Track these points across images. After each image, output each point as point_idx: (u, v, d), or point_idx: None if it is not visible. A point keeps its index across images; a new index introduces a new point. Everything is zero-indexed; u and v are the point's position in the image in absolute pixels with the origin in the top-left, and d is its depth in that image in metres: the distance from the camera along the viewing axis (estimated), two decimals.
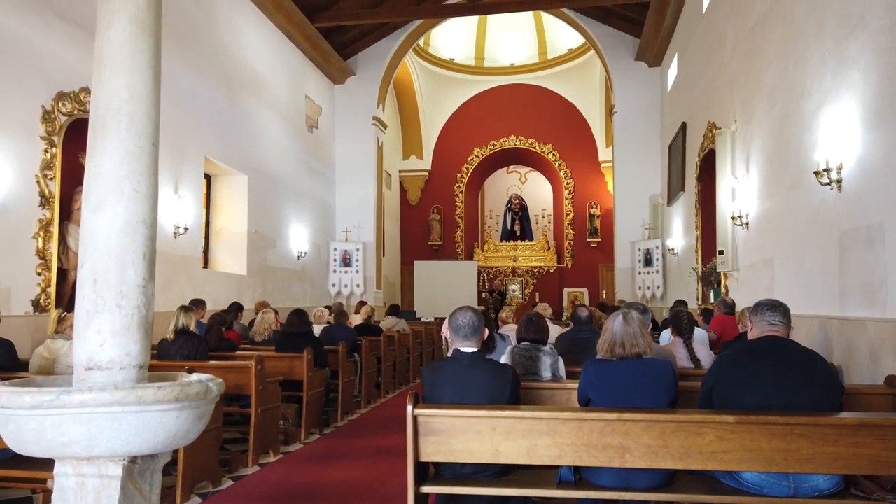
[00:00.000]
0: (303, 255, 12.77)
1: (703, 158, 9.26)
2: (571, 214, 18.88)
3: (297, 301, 12.19)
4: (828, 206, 4.93)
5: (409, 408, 2.84)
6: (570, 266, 18.91)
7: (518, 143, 19.11)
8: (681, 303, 8.23)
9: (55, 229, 6.41)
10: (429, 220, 19.40)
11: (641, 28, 12.59)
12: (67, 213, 6.59)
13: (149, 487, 2.18)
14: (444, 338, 3.71)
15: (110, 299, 2.14)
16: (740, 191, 7.38)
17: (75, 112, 6.65)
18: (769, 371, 2.87)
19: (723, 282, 8.31)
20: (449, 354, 3.33)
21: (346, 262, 14.26)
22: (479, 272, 18.42)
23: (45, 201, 6.31)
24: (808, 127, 5.36)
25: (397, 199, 19.15)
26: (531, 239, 20.30)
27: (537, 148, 18.97)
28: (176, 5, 8.57)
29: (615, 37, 13.80)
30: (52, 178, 6.38)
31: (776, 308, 3.08)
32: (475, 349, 3.17)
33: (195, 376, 2.31)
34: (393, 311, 10.81)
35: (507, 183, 21.35)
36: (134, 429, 2.00)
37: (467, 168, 19.39)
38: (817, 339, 4.92)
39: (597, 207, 18.55)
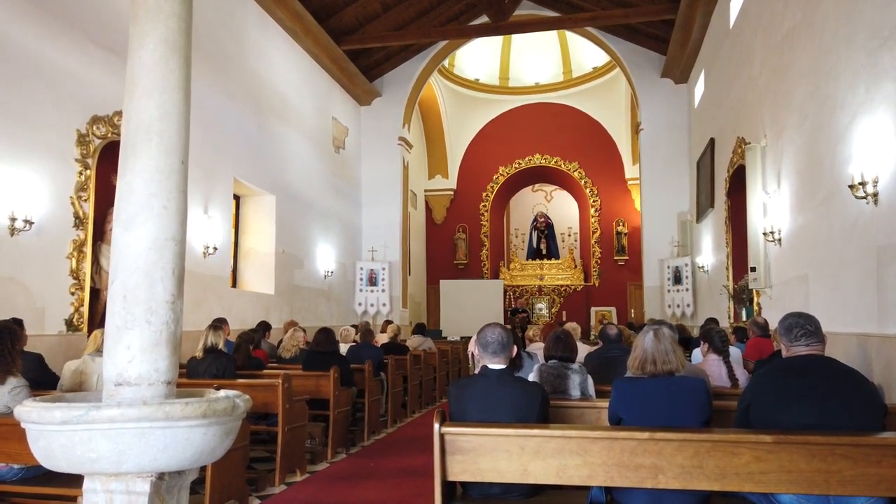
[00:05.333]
0: (329, 274, 12.84)
1: (733, 174, 9.14)
2: (598, 232, 18.73)
3: (324, 320, 12.24)
4: (864, 220, 4.81)
5: (436, 426, 2.78)
6: (597, 284, 18.71)
7: (543, 161, 19.06)
8: (712, 321, 8.06)
9: (88, 249, 6.53)
10: (454, 238, 19.40)
11: (667, 45, 12.53)
12: (100, 233, 6.72)
13: None
14: (470, 354, 3.67)
15: (139, 315, 2.16)
16: (772, 206, 7.25)
17: (109, 135, 6.80)
18: (809, 389, 2.77)
19: (755, 299, 8.14)
20: (476, 371, 3.29)
21: (373, 281, 14.30)
22: (506, 291, 18.32)
23: (78, 222, 6.45)
24: (842, 140, 5.25)
25: (423, 218, 19.20)
26: (557, 257, 20.16)
27: (563, 166, 18.91)
28: (206, 30, 8.77)
29: (640, 54, 13.76)
30: (86, 200, 6.52)
31: (810, 334, 2.95)
32: (503, 366, 3.13)
33: (222, 392, 2.31)
34: (419, 329, 10.77)
35: (533, 201, 21.28)
36: (161, 444, 2.00)
37: (492, 187, 19.39)
38: (855, 358, 4.77)
39: (624, 225, 18.39)
